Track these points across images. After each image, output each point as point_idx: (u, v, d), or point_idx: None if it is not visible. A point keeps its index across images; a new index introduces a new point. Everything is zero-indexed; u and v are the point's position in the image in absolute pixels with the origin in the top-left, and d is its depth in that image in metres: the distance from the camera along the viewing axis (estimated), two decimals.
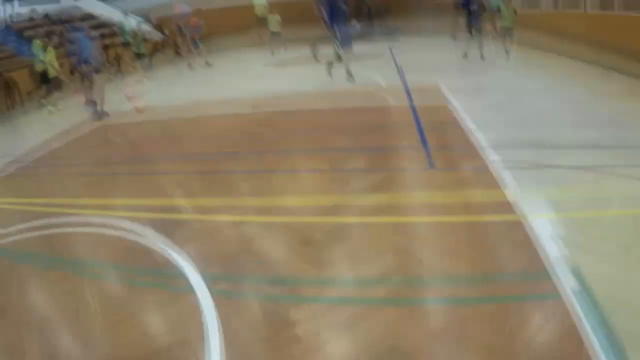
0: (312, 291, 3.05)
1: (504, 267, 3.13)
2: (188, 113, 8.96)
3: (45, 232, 4.20)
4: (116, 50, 16.41)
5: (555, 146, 5.27)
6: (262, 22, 18.96)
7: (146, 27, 18.55)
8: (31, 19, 17.03)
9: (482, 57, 12.76)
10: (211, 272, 3.27)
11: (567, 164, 4.66)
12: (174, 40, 20.14)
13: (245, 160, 5.82)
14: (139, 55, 15.12)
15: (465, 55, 12.97)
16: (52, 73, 10.94)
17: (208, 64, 15.92)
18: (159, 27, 20.47)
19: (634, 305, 2.63)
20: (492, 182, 4.35)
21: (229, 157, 6.02)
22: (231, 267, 3.36)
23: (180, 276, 3.25)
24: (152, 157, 6.43)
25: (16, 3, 17.05)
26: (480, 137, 5.61)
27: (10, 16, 16.76)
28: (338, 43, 9.97)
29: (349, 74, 10.16)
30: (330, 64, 10.37)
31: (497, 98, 8.24)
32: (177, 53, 19.91)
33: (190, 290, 3.08)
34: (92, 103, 9.40)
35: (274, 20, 18.78)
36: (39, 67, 11.02)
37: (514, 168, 4.63)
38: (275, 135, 6.79)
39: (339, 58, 10.21)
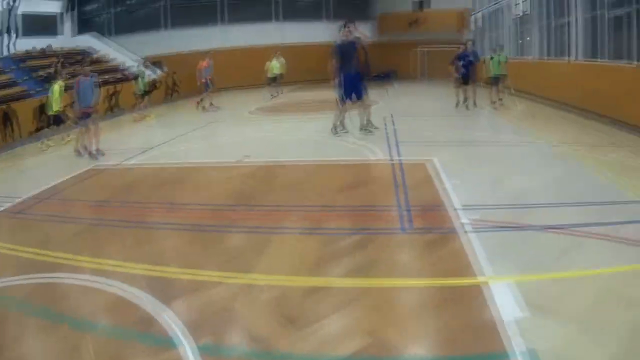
0: (290, 350, 3.12)
1: (459, 334, 3.17)
2: (183, 159, 9.11)
3: (23, 280, 4.26)
4: (115, 88, 16.67)
5: (530, 206, 5.39)
6: (273, 80, 19.06)
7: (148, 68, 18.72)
8: (27, 52, 17.53)
9: (472, 105, 13.08)
10: (195, 329, 3.33)
11: (542, 224, 4.77)
12: (172, 80, 20.51)
13: (231, 215, 5.85)
14: (141, 94, 15.35)
15: (458, 104, 13.28)
16: (51, 109, 10.70)
17: (215, 107, 16.10)
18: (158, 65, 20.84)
19: None
20: (459, 246, 4.43)
21: (216, 210, 6.07)
22: (214, 324, 3.42)
23: (164, 331, 3.30)
24: (136, 206, 6.47)
25: (13, 36, 17.61)
26: (454, 197, 5.70)
27: (8, 46, 17.31)
28: (340, 94, 9.75)
29: (335, 128, 9.98)
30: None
31: (476, 151, 8.39)
32: (174, 91, 20.31)
33: (173, 345, 3.14)
34: (81, 150, 9.63)
35: (279, 63, 18.86)
36: (55, 108, 10.66)
37: (484, 230, 4.74)
38: (263, 190, 6.80)
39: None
